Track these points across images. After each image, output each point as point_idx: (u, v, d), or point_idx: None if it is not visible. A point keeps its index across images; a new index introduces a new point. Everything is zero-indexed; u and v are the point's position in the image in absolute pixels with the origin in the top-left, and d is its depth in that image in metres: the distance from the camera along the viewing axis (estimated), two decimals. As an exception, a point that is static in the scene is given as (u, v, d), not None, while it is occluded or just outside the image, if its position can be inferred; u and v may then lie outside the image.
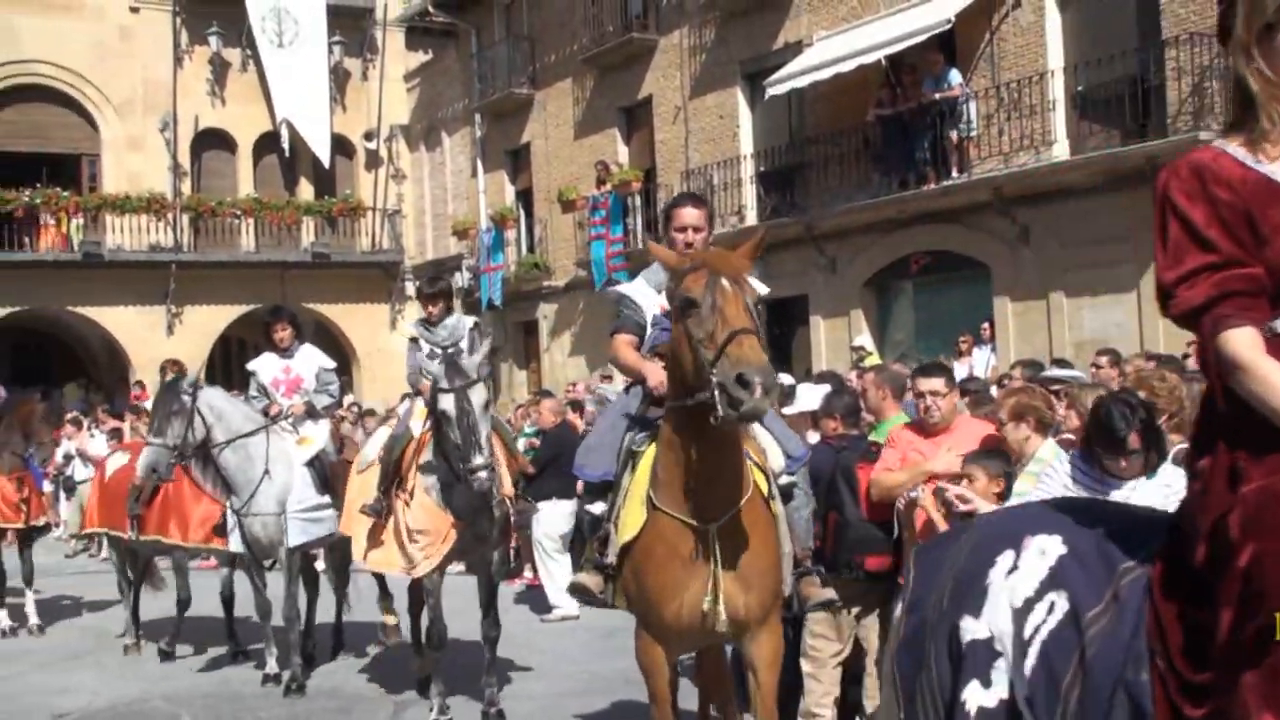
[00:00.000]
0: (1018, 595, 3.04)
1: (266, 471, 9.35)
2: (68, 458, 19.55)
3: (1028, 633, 2.98)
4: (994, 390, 10.84)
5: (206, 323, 27.76)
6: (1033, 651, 2.95)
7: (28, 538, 12.75)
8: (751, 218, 20.42)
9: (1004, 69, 16.65)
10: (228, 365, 28.45)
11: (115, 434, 19.45)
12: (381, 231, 29.68)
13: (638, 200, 22.70)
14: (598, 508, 5.57)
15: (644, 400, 5.50)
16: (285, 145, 28.54)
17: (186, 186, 27.84)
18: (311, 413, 9.83)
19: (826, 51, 18.35)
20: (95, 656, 11.19)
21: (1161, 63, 14.80)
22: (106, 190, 27.21)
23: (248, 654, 10.60)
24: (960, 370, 14.61)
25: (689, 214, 5.88)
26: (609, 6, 23.56)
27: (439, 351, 8.44)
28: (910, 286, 18.67)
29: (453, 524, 8.06)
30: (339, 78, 29.50)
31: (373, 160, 29.96)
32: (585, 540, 5.83)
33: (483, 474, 7.50)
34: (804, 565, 5.52)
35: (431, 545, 8.09)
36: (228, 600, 10.99)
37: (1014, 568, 3.09)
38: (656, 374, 5.34)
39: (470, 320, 8.78)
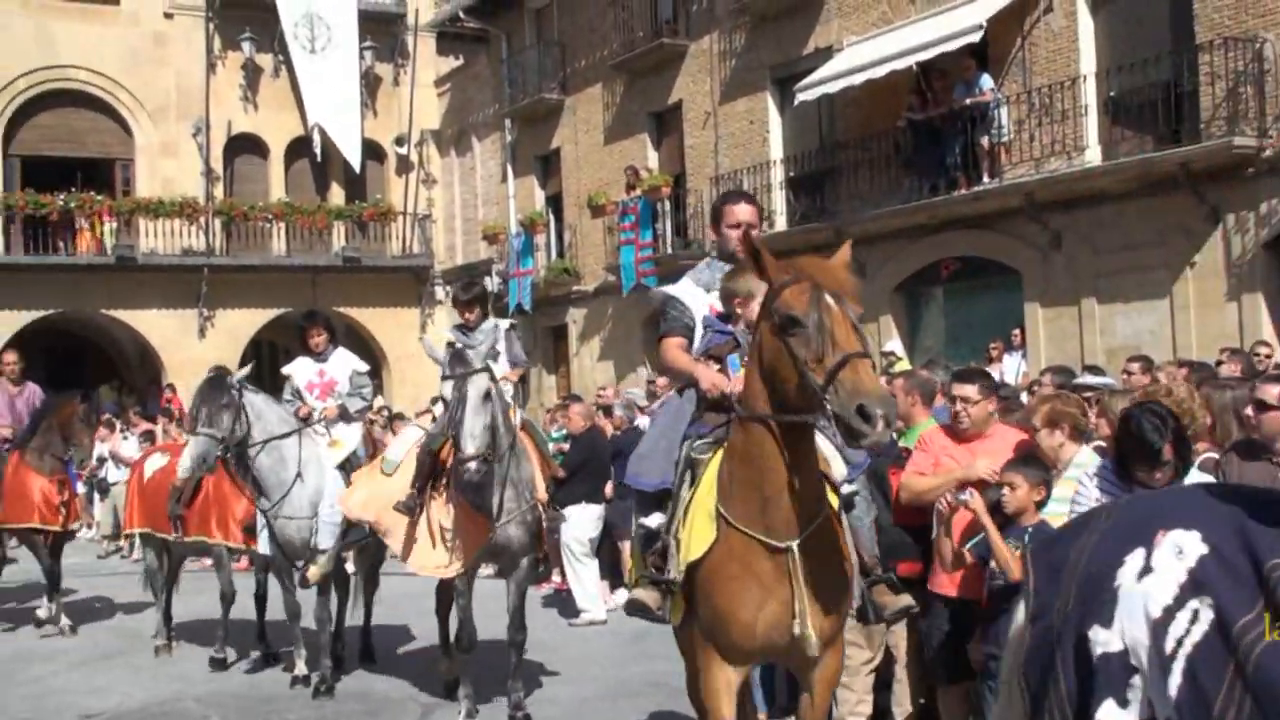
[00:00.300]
0: (1154, 603, 2.80)
1: (299, 474, 9.37)
2: (100, 460, 19.72)
3: (1169, 646, 2.74)
4: (1024, 397, 10.81)
5: (238, 326, 27.92)
6: (1176, 668, 2.71)
7: (60, 541, 12.76)
8: (781, 223, 20.39)
9: (1036, 74, 16.57)
10: (259, 368, 28.60)
11: (147, 436, 19.61)
12: (412, 236, 29.80)
13: (667, 205, 22.71)
14: (654, 520, 5.25)
15: (699, 406, 5.26)
16: (317, 150, 28.69)
17: (219, 191, 28.03)
18: (344, 415, 9.87)
19: (857, 57, 18.30)
20: (127, 657, 11.26)
21: (1195, 67, 14.69)
22: (140, 194, 27.41)
23: (278, 656, 10.65)
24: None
25: (742, 210, 5.70)
26: (639, 12, 23.59)
27: (471, 354, 8.46)
28: (941, 292, 18.61)
29: (482, 522, 8.03)
30: (370, 83, 29.64)
31: (403, 165, 30.08)
32: (638, 551, 5.39)
33: (471, 465, 7.47)
34: (875, 573, 5.29)
35: (463, 545, 8.08)
36: (260, 601, 11.04)
37: (1146, 569, 2.86)
38: (710, 378, 5.18)
39: (506, 323, 8.68)
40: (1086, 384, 8.90)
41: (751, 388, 4.65)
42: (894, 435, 7.48)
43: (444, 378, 7.82)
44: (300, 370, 10.14)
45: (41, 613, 12.34)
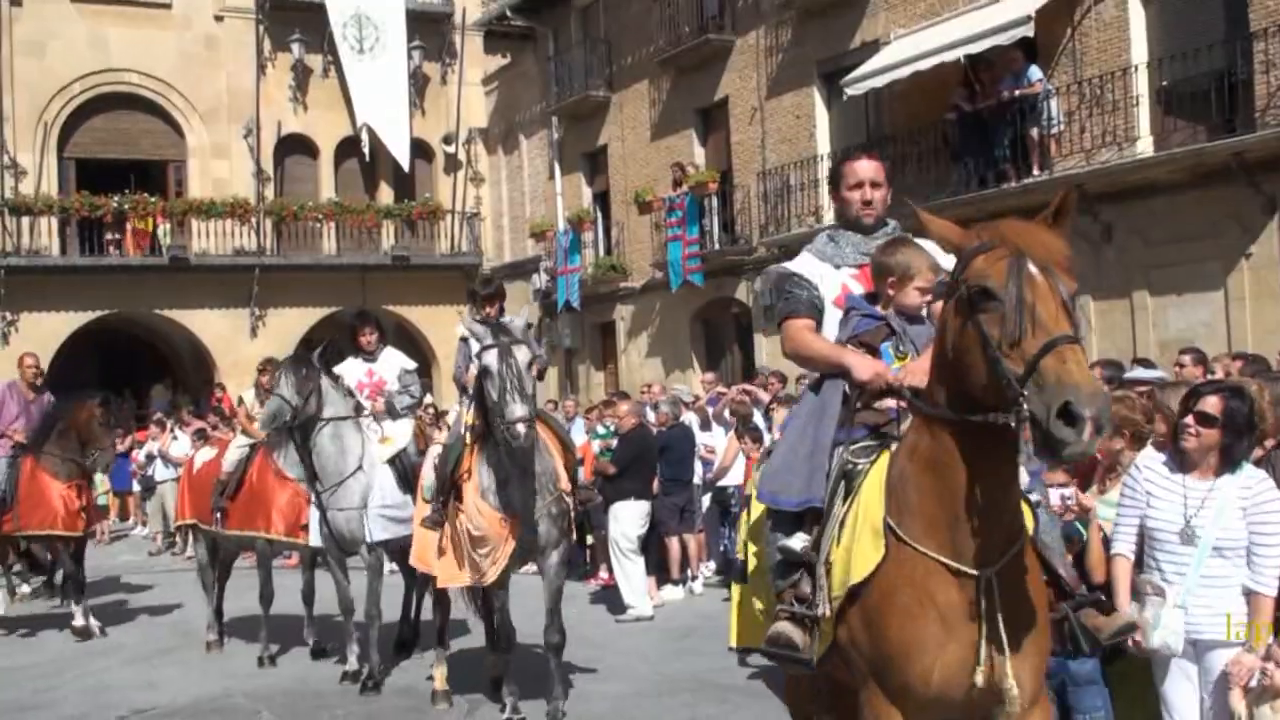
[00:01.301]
0: None
1: (359, 467, 9.57)
2: (149, 458, 19.96)
3: None
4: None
5: (289, 325, 28.15)
6: None
7: (81, 546, 12.53)
8: (828, 218, 20.27)
9: (1086, 64, 16.36)
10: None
11: (199, 435, 19.78)
12: (460, 234, 29.92)
13: (714, 201, 22.64)
14: (797, 541, 4.35)
15: (852, 401, 4.42)
16: (365, 150, 28.88)
17: (269, 191, 28.27)
18: (391, 411, 9.93)
19: (904, 50, 18.15)
20: (179, 653, 11.40)
21: (1249, 55, 14.44)
22: (192, 195, 27.71)
23: (325, 651, 10.73)
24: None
25: (864, 167, 4.97)
26: (685, 8, 23.52)
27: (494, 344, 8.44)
28: (990, 286, 18.39)
29: (510, 524, 7.89)
30: (418, 82, 29.79)
31: (451, 164, 30.21)
32: (774, 580, 4.56)
33: (520, 427, 7.37)
34: (1080, 595, 4.34)
35: (495, 550, 7.94)
36: (307, 597, 11.13)
37: None
38: (871, 366, 4.38)
39: (522, 321, 8.49)
40: (1137, 378, 8.77)
41: (937, 377, 3.86)
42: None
43: (487, 347, 7.68)
44: (350, 370, 10.21)
45: (78, 621, 12.16)
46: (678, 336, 24.29)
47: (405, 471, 9.72)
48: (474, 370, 7.97)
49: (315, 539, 9.95)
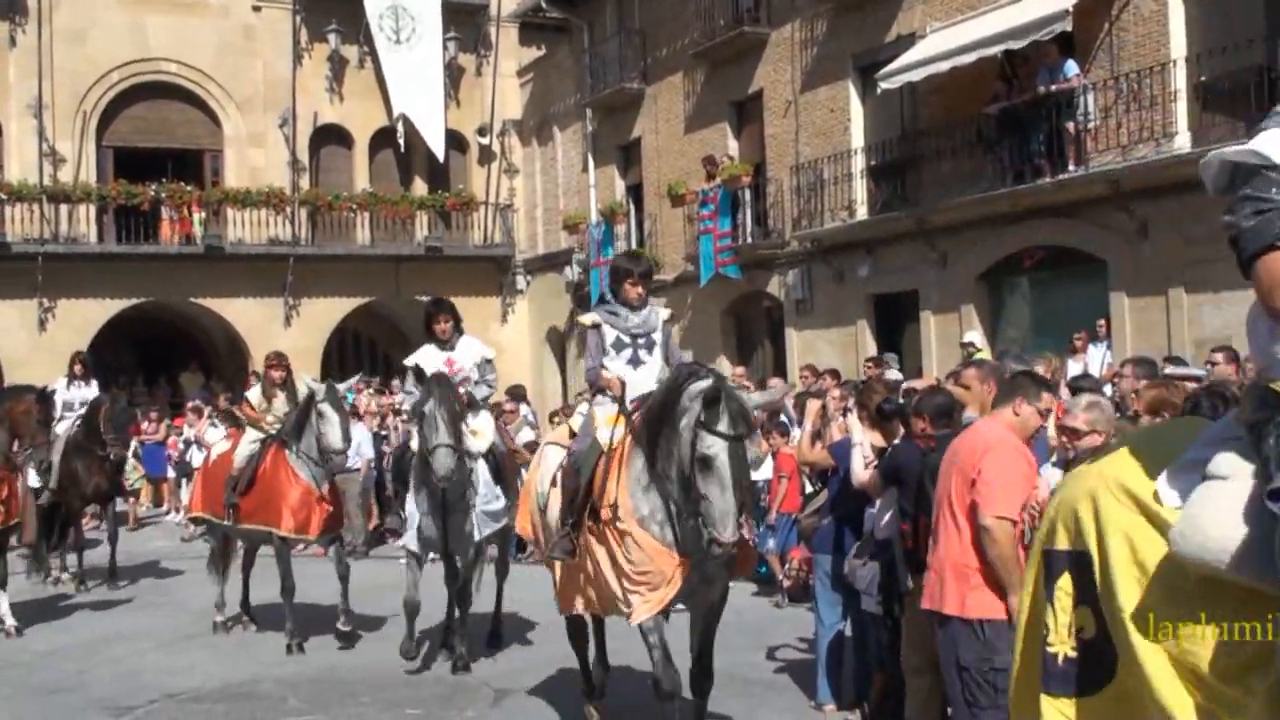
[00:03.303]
0: None
1: (471, 468, 9.42)
2: (187, 444, 20.11)
3: None
4: (1107, 389, 10.61)
5: (323, 315, 28.30)
6: None
7: (2, 539, 11.96)
8: (862, 212, 20.21)
9: (1123, 59, 16.21)
10: (343, 357, 29.07)
11: (233, 420, 19.91)
12: (493, 226, 29.97)
13: (747, 194, 22.59)
14: None
15: None
16: (400, 140, 28.97)
17: (305, 181, 28.40)
18: (472, 404, 9.78)
19: (940, 43, 18.04)
20: (208, 638, 11.52)
21: (1290, 51, 14.29)
22: (228, 185, 27.89)
23: (348, 636, 10.74)
24: (1074, 368, 14.31)
25: None
26: (720, 0, 23.47)
27: (626, 341, 7.43)
28: (1024, 282, 18.31)
29: (680, 563, 6.54)
30: (453, 73, 29.84)
31: (485, 155, 30.27)
32: None
33: (720, 449, 6.13)
34: None
35: (655, 591, 6.59)
36: (344, 577, 10.93)
37: None
38: None
39: (665, 312, 7.65)
40: (1172, 374, 8.69)
41: None
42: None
43: (710, 433, 6.17)
44: (427, 359, 9.90)
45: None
46: (709, 330, 24.26)
47: (498, 465, 9.74)
48: (610, 376, 7.22)
49: (411, 541, 9.77)
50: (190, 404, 22.43)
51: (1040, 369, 8.86)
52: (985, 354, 14.34)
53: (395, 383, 24.43)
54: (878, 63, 19.35)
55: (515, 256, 30.21)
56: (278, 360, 11.77)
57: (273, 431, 11.21)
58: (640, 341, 7.45)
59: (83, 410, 14.93)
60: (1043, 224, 17.32)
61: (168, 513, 22.53)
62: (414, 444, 9.78)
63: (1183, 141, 15.55)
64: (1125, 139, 15.97)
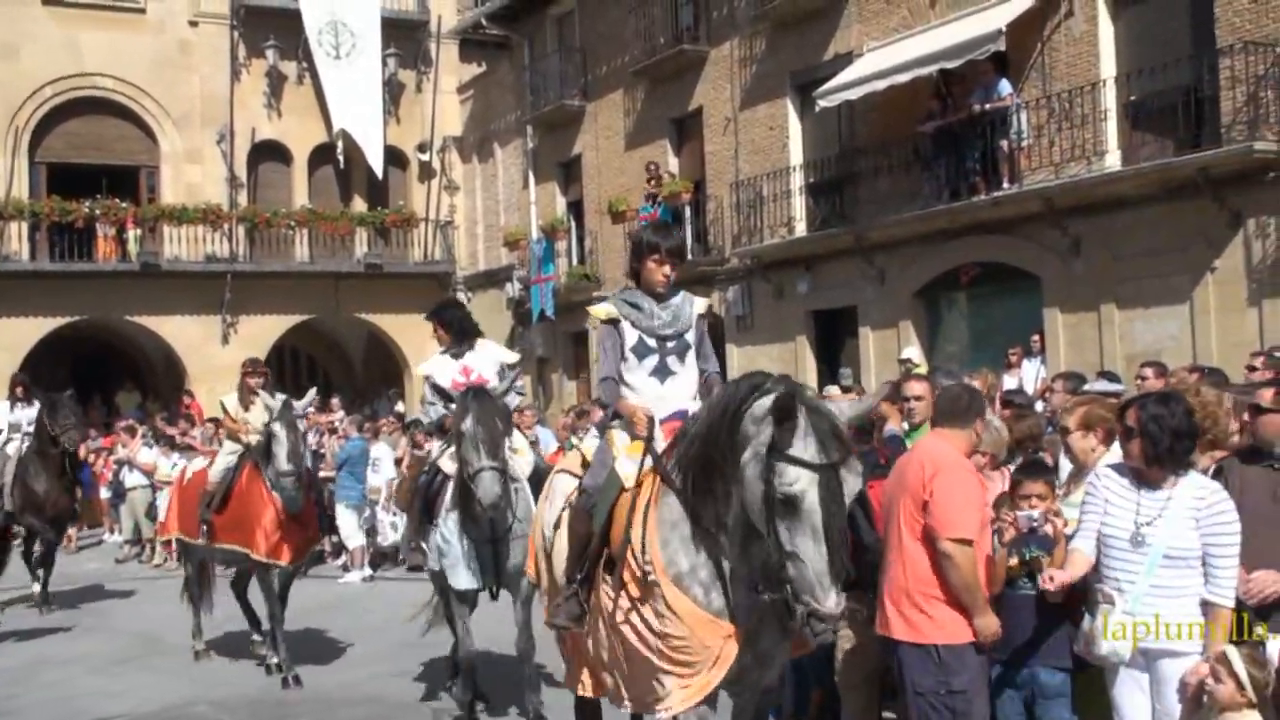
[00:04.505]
0: None
1: (516, 489, 8.31)
2: (120, 464, 19.87)
3: None
4: (1039, 405, 10.77)
5: (261, 333, 28.05)
6: None
7: None
8: (801, 229, 20.36)
9: (1055, 78, 16.49)
10: (282, 375, 28.83)
11: (166, 441, 19.73)
12: (434, 242, 29.89)
13: (687, 211, 22.70)
14: None
15: None
16: (340, 157, 28.84)
17: (243, 198, 28.18)
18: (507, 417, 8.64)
19: (877, 62, 18.25)
20: (146, 661, 11.38)
21: (1215, 71, 14.58)
22: (165, 201, 27.59)
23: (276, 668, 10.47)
24: (1010, 383, 14.50)
25: None
26: (660, 18, 23.59)
27: (652, 345, 5.80)
28: (960, 298, 18.53)
29: (729, 636, 4.98)
30: (393, 90, 29.75)
31: (426, 171, 30.19)
32: None
33: (808, 486, 4.55)
34: None
35: (696, 674, 5.04)
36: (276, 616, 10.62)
37: None
38: None
39: (702, 302, 6.08)
40: (1099, 390, 8.85)
41: None
42: (899, 433, 7.47)
43: (809, 466, 4.58)
44: (441, 369, 8.95)
45: None
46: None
47: (540, 486, 8.19)
48: (632, 402, 5.68)
49: (459, 579, 8.34)
50: (123, 424, 22.15)
51: (976, 385, 8.99)
52: (923, 370, 14.49)
53: (335, 400, 24.31)
54: (816, 81, 19.54)
55: (456, 273, 30.13)
56: (253, 367, 10.91)
57: (253, 442, 10.50)
58: (670, 345, 5.81)
59: (30, 428, 14.74)
60: (978, 241, 17.55)
61: (103, 535, 22.23)
62: (445, 465, 8.54)
63: (1113, 160, 15.83)
64: (1058, 157, 16.23)
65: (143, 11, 27.68)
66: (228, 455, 10.75)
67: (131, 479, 19.60)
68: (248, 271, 27.60)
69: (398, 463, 17.38)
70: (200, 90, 28.02)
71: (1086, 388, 9.03)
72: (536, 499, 7.92)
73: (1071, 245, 16.24)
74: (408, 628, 10.55)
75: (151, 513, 19.25)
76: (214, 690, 10.01)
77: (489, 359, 9.07)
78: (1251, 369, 10.28)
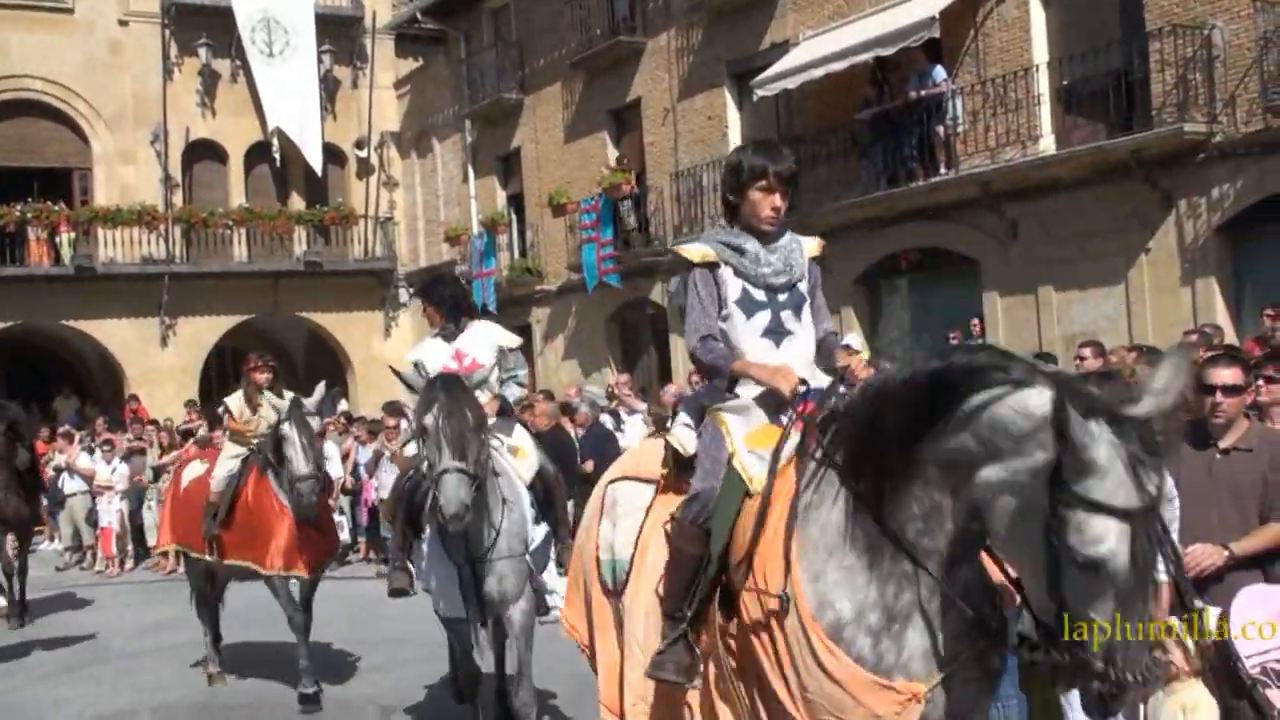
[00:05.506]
0: None
1: (504, 499, 6.97)
2: (58, 470, 19.58)
3: None
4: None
5: (200, 334, 27.75)
6: None
7: None
8: (686, 242, 20.33)
9: (989, 64, 16.64)
10: (222, 376, 28.49)
11: (107, 445, 19.47)
12: (374, 239, 29.67)
13: (628, 203, 22.68)
14: None
15: None
16: (276, 155, 28.54)
17: (178, 198, 27.81)
18: (504, 410, 7.55)
19: (813, 50, 18.33)
20: (88, 669, 11.20)
21: (1146, 55, 14.79)
22: (98, 203, 27.19)
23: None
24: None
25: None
26: (596, 10, 23.55)
27: (760, 298, 4.46)
28: (901, 284, 18.66)
29: (909, 699, 3.68)
30: (329, 86, 29.48)
31: (364, 168, 29.93)
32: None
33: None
34: None
35: None
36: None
37: None
38: None
39: (813, 242, 4.74)
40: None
41: None
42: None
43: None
44: (432, 354, 7.71)
45: None
46: (594, 338, 24.30)
47: (549, 493, 7.44)
48: (747, 344, 4.41)
49: (446, 609, 7.12)
50: (60, 429, 21.82)
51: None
52: (866, 356, 14.58)
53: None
54: (753, 70, 19.59)
55: (397, 270, 29.94)
56: (260, 361, 9.77)
57: (255, 445, 9.59)
58: (783, 298, 4.47)
59: None
60: (917, 226, 17.68)
61: (42, 541, 21.87)
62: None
63: (1047, 144, 16.02)
64: (993, 142, 16.39)
65: (71, 11, 27.24)
66: (230, 460, 9.77)
67: (70, 485, 19.31)
68: (185, 273, 27.27)
69: (344, 458, 17.31)
70: (132, 90, 27.61)
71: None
72: (545, 509, 7.27)
73: (1008, 229, 16.42)
74: (355, 629, 10.48)
75: (91, 518, 19.01)
76: (156, 697, 9.89)
77: (485, 342, 7.73)
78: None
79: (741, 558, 4.01)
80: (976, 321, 16.34)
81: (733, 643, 4.05)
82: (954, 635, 3.73)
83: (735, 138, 20.88)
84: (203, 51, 27.94)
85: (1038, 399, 3.29)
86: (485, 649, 7.37)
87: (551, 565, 7.37)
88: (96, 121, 27.53)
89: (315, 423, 8.96)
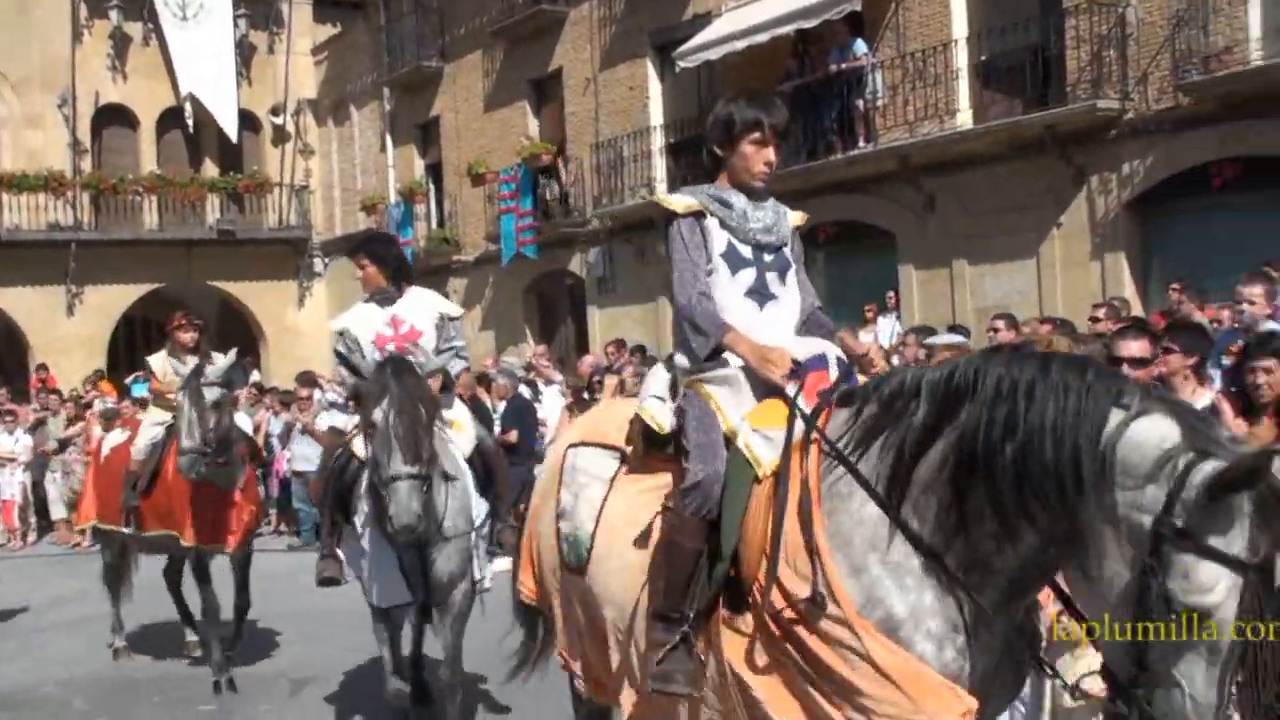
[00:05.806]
0: None
1: (445, 474, 6.52)
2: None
3: None
4: (895, 359, 10.93)
5: (109, 303, 27.16)
6: None
7: None
8: (661, 190, 20.33)
9: (909, 39, 16.70)
10: (132, 346, 27.91)
11: (9, 416, 19.03)
12: (289, 208, 29.22)
13: (548, 173, 22.53)
14: None
15: None
16: (189, 121, 27.97)
17: (87, 164, 27.17)
18: (447, 384, 7.04)
19: (736, 22, 18.27)
20: (-8, 644, 10.93)
21: (1061, 31, 14.92)
22: (3, 169, 26.44)
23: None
24: (865, 338, 14.68)
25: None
26: (517, -23, 23.31)
27: (746, 255, 4.18)
28: (818, 256, 18.67)
29: (970, 714, 3.32)
30: (244, 51, 28.92)
31: (280, 135, 29.45)
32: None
33: None
34: None
35: None
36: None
37: None
38: None
39: (797, 215, 4.47)
40: (933, 343, 9.00)
41: None
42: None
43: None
44: (363, 320, 7.07)
45: None
46: (511, 309, 24.16)
47: (489, 467, 7.05)
48: (731, 305, 4.15)
49: (385, 597, 6.65)
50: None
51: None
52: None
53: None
54: (675, 41, 19.51)
55: (312, 239, 29.54)
56: (185, 319, 9.27)
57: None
58: (769, 259, 4.23)
59: None
60: (835, 199, 17.70)
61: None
62: (359, 449, 6.70)
63: (965, 118, 16.13)
64: (912, 116, 16.46)
65: (-25, -31, 26.43)
66: (152, 427, 9.25)
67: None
68: (93, 240, 26.67)
69: (256, 429, 16.99)
70: (40, 53, 26.86)
71: (931, 340, 9.17)
72: (485, 483, 6.89)
73: (926, 203, 16.53)
74: (269, 603, 10.30)
75: (-9, 490, 18.52)
76: (62, 671, 9.66)
77: (424, 309, 7.13)
78: (1095, 320, 10.57)
79: (756, 550, 3.63)
80: (891, 294, 16.45)
81: (734, 643, 3.66)
82: (1003, 648, 3.51)
83: (656, 109, 20.82)
84: (114, 14, 27.30)
85: (1165, 430, 2.97)
86: (435, 636, 6.91)
87: (482, 547, 6.85)
88: (3, 85, 26.80)
89: (216, 393, 8.43)
